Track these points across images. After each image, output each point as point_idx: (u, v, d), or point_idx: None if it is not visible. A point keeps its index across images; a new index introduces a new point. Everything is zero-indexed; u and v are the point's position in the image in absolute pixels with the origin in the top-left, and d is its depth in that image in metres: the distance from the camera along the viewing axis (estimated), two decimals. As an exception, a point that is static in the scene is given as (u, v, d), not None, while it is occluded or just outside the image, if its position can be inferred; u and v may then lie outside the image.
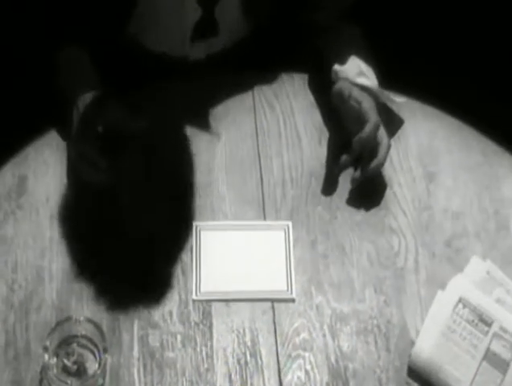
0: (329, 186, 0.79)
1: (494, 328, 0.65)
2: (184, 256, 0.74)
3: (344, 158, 0.75)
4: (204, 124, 0.74)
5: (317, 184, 0.79)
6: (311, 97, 0.83)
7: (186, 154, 0.78)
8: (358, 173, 0.76)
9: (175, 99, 0.78)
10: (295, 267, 0.74)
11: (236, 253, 0.75)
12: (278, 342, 0.71)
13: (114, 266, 0.72)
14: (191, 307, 0.72)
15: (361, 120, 0.73)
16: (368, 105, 0.73)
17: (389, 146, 0.73)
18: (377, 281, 0.75)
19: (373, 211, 0.78)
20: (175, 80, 0.77)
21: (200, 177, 0.78)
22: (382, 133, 0.74)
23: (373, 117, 0.72)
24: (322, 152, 0.80)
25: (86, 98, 0.69)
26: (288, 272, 0.74)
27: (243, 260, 0.74)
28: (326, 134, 0.81)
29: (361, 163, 0.77)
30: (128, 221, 0.74)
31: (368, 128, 0.71)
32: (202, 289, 0.73)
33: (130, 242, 0.74)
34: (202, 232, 0.75)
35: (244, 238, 0.75)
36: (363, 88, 0.74)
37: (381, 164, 0.74)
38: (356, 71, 0.73)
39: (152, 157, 0.78)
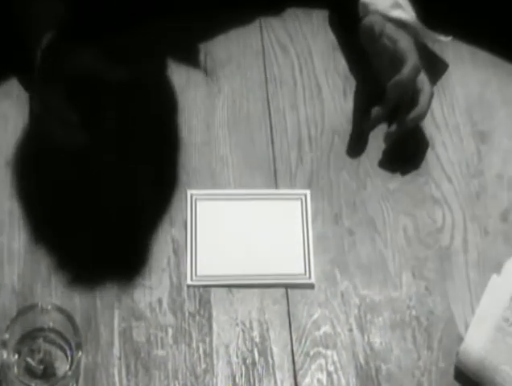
0: (357, 147, 0.77)
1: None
2: (176, 233, 0.72)
3: (375, 110, 0.72)
4: (195, 62, 0.72)
5: (341, 144, 0.78)
6: (332, 37, 0.81)
7: (176, 107, 0.76)
8: (394, 126, 0.72)
9: (161, 42, 0.77)
10: (315, 245, 0.73)
11: (241, 229, 0.73)
12: (294, 337, 0.69)
13: (89, 243, 0.70)
14: (185, 294, 0.70)
15: (396, 62, 0.69)
16: (405, 44, 0.69)
17: (431, 94, 0.70)
18: (417, 263, 0.73)
19: (410, 177, 0.76)
20: (160, 18, 0.76)
21: (196, 136, 0.77)
22: (423, 78, 0.70)
23: (411, 57, 0.68)
24: (347, 104, 0.79)
25: (53, 37, 0.66)
26: (306, 251, 0.73)
27: (250, 238, 0.73)
28: (352, 82, 0.79)
29: (397, 116, 0.74)
30: (104, 188, 0.72)
31: (406, 70, 0.67)
32: (199, 272, 0.71)
33: (108, 214, 0.72)
34: (199, 203, 0.73)
35: (251, 210, 0.74)
36: (399, 24, 0.70)
37: (423, 115, 0.71)
38: (389, 3, 0.69)
39: (134, 111, 0.76)
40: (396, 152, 0.77)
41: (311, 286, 0.71)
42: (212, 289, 0.71)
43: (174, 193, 0.74)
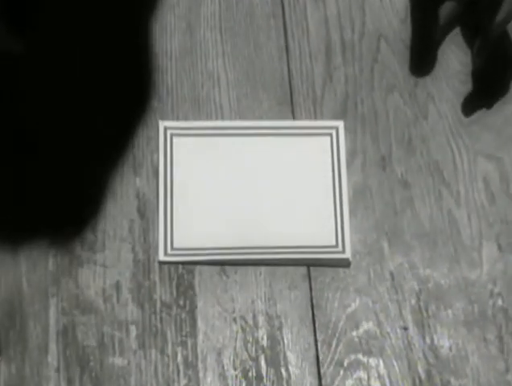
0: (420, 62, 0.77)
1: None
2: (143, 184, 0.72)
3: (448, 5, 0.72)
4: None
5: (391, 53, 0.77)
6: None
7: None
8: (482, 36, 0.72)
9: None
10: (351, 204, 0.72)
11: (239, 180, 0.73)
12: (320, 339, 0.68)
13: (9, 186, 0.70)
14: (156, 276, 0.69)
15: None
16: None
17: None
18: (505, 228, 0.72)
19: (495, 104, 0.76)
20: None
21: (171, 40, 0.77)
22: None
23: None
24: (400, -6, 0.78)
25: None
26: (338, 213, 0.72)
27: (253, 193, 0.72)
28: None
29: (480, 14, 0.73)
30: (40, 122, 0.73)
31: None
32: (176, 244, 0.70)
33: (44, 156, 0.72)
34: (176, 140, 0.73)
35: (254, 152, 0.73)
36: None
37: None
38: None
39: (83, 11, 0.76)
40: (472, 68, 0.76)
41: (345, 263, 0.71)
42: (197, 269, 0.70)
43: (138, 125, 0.73)
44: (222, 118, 0.75)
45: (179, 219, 0.70)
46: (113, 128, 0.73)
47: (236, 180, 0.72)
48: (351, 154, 0.74)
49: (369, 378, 0.67)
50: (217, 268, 0.70)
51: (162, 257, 0.70)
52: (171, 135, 0.73)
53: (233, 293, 0.70)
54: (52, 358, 0.66)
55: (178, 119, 0.74)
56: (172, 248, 0.70)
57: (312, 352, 0.68)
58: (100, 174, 0.71)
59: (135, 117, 0.74)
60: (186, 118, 0.74)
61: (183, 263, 0.70)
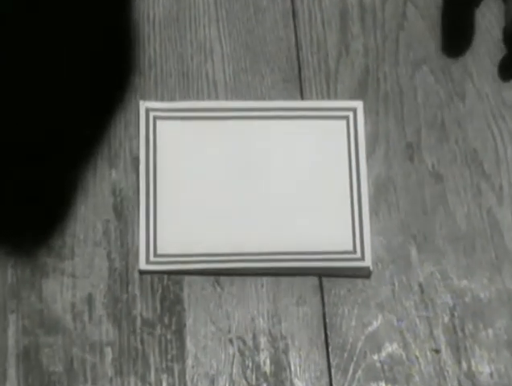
0: (450, 32, 0.78)
1: None
2: (121, 178, 0.72)
3: None
4: None
5: (420, 19, 0.78)
6: None
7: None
8: None
9: None
10: (372, 200, 0.73)
11: (237, 172, 0.73)
12: (334, 364, 0.68)
13: None
14: (136, 288, 0.70)
15: None
16: None
17: None
18: None
19: None
20: None
21: (155, 5, 0.78)
22: None
23: None
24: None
25: None
26: (356, 212, 0.72)
27: (253, 189, 0.72)
28: None
29: None
30: None
31: None
32: (161, 249, 0.70)
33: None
34: (160, 124, 0.73)
35: (256, 138, 0.73)
36: None
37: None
38: None
39: None
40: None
41: (365, 273, 0.71)
42: (186, 279, 0.70)
43: (114, 106, 0.74)
44: (216, 98, 0.75)
45: (164, 219, 0.71)
46: (84, 110, 0.74)
47: (232, 172, 0.72)
48: (372, 141, 0.75)
49: (394, 412, 0.66)
50: (210, 278, 0.70)
51: (143, 266, 0.70)
52: (155, 118, 0.73)
53: (228, 308, 0.70)
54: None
55: (162, 99, 0.75)
56: (156, 255, 0.70)
57: (325, 380, 0.68)
58: (68, 167, 0.72)
59: (111, 97, 0.75)
60: (172, 98, 0.75)
61: (168, 272, 0.70)
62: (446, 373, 0.68)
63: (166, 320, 0.68)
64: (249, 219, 0.71)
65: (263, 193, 0.72)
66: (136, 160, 0.72)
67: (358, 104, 0.74)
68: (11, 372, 0.66)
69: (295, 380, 0.68)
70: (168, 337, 0.68)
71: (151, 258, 0.69)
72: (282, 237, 0.71)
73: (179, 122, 0.73)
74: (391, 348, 0.69)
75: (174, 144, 0.72)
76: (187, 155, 0.72)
